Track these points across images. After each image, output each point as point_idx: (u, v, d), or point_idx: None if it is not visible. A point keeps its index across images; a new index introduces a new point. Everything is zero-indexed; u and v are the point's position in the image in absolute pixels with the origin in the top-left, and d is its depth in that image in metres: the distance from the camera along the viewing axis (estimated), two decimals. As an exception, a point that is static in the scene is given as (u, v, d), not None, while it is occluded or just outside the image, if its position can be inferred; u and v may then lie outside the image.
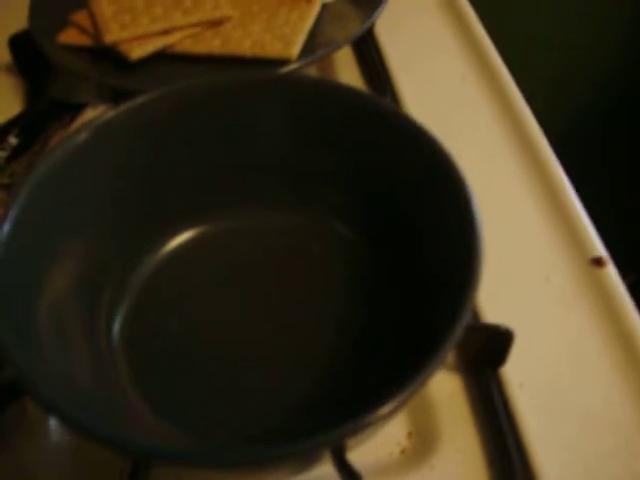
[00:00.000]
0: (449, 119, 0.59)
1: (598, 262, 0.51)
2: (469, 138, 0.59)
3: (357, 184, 0.46)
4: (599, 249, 0.51)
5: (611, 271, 0.50)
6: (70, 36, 0.60)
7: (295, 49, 0.56)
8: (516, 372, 0.44)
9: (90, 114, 0.58)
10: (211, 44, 0.57)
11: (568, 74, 1.21)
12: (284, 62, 0.56)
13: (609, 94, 1.25)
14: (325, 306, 0.45)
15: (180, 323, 0.44)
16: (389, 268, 0.45)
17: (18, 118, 0.60)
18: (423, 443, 0.43)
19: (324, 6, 0.62)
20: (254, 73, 0.49)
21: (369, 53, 0.64)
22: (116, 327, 0.43)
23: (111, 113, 0.43)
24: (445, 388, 0.44)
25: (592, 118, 1.27)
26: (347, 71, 0.64)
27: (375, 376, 0.41)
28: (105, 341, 0.41)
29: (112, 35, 0.57)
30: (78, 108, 0.60)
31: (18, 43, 0.63)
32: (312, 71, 0.62)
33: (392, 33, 0.67)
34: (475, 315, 0.47)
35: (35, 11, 0.62)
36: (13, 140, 0.58)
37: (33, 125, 0.59)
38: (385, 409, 0.32)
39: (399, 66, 0.64)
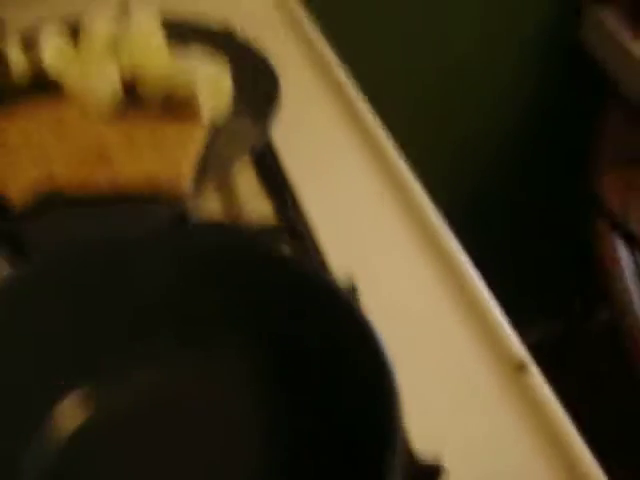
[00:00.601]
0: (349, 221, 0.60)
1: (521, 368, 0.50)
2: (368, 238, 0.59)
3: (253, 324, 0.44)
4: (520, 353, 0.51)
5: (534, 374, 0.49)
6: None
7: (186, 174, 0.55)
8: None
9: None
10: (100, 178, 0.55)
11: (469, 146, 1.23)
12: (177, 189, 0.54)
13: (510, 168, 1.28)
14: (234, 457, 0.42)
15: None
16: (310, 414, 0.43)
17: None
18: None
19: (214, 121, 0.60)
20: (132, 232, 0.47)
21: (269, 166, 0.63)
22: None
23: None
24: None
25: (494, 189, 1.30)
26: (248, 188, 0.62)
27: None
28: None
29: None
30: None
31: None
32: (213, 195, 0.60)
33: (290, 140, 0.65)
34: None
35: None
36: None
37: None
38: None
39: (300, 174, 0.63)
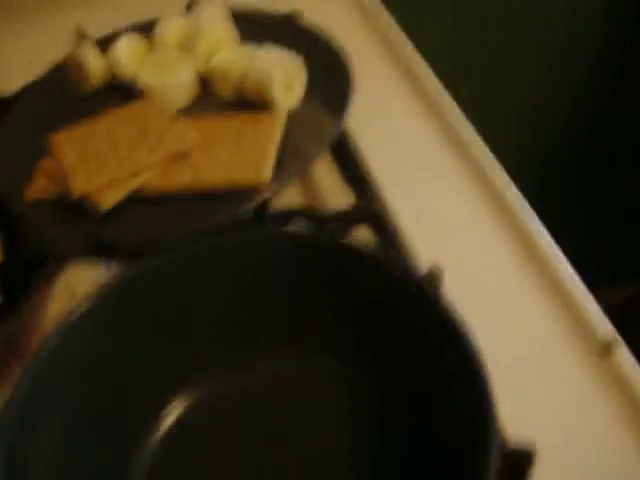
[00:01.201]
0: (432, 209, 0.60)
1: (608, 349, 0.50)
2: (453, 226, 0.59)
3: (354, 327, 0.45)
4: (608, 333, 0.50)
5: (623, 354, 0.49)
6: (38, 189, 0.58)
7: (267, 173, 0.55)
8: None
9: (71, 270, 0.56)
10: (181, 179, 0.56)
11: (538, 120, 1.21)
12: (258, 188, 0.54)
13: (575, 139, 1.25)
14: (334, 456, 0.43)
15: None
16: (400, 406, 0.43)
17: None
18: None
19: (290, 115, 0.60)
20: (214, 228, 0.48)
21: (345, 151, 0.62)
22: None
23: (87, 303, 0.42)
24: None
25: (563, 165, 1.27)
26: (326, 175, 0.62)
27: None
28: None
29: (79, 188, 0.55)
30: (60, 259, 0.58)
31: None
32: (292, 186, 0.60)
33: (366, 125, 0.65)
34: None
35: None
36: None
37: (14, 280, 0.57)
38: None
39: (377, 161, 0.62)
